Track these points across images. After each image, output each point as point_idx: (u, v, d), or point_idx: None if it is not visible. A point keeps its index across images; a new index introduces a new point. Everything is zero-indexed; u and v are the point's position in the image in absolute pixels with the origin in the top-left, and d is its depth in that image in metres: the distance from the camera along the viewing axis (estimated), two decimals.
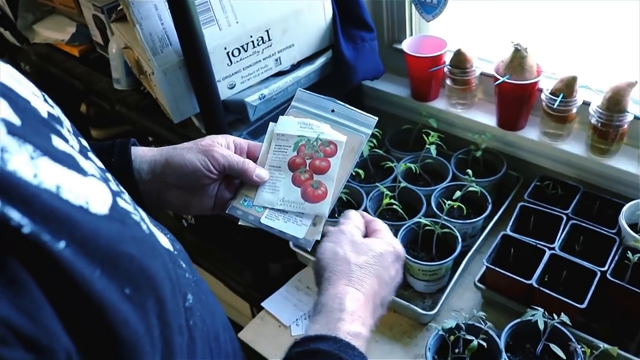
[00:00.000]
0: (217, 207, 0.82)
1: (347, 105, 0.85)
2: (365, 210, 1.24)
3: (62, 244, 0.38)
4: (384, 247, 0.74)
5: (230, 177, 0.81)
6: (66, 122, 0.52)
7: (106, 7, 1.41)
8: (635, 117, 1.14)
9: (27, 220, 0.36)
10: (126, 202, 0.49)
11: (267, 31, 1.20)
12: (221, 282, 1.67)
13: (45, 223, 0.37)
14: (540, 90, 1.23)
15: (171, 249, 0.56)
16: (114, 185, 0.50)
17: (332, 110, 0.85)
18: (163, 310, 0.48)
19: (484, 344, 0.95)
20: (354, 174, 1.31)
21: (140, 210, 0.52)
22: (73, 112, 1.99)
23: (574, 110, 1.21)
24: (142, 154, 0.77)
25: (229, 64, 1.17)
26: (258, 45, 1.20)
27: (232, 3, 1.15)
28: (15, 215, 0.36)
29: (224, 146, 0.79)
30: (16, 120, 0.40)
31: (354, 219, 0.78)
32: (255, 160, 0.82)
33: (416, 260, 1.15)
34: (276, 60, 1.25)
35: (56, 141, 0.45)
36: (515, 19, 1.31)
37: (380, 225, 0.78)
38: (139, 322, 0.44)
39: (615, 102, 1.13)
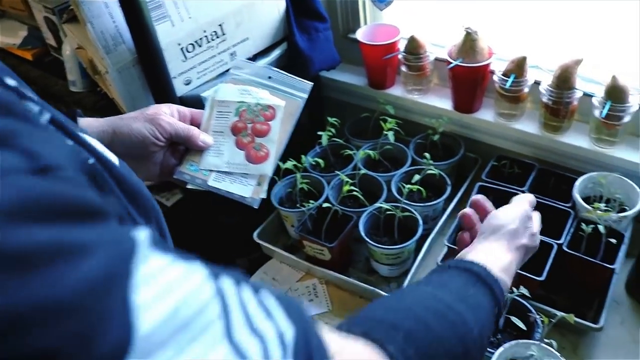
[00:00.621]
0: (163, 174, 0.86)
1: (283, 72, 0.92)
2: (327, 199, 1.25)
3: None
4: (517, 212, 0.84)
5: (176, 144, 0.85)
6: None
7: (57, 8, 1.39)
8: (584, 94, 1.17)
9: (91, 156, 0.42)
10: None
11: (221, 25, 1.20)
12: None
13: (99, 161, 0.43)
14: (493, 72, 1.26)
15: None
16: None
17: (269, 77, 0.91)
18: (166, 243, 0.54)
19: None
20: (313, 163, 1.32)
21: None
22: None
23: (526, 90, 1.23)
24: (89, 125, 0.78)
25: (184, 59, 1.17)
26: (212, 40, 1.20)
27: None
28: (82, 151, 0.42)
29: (168, 114, 0.83)
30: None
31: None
32: (198, 127, 0.87)
33: (379, 245, 1.16)
34: (231, 54, 1.25)
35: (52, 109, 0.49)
36: (465, 2, 1.33)
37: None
38: None
39: (563, 80, 1.16)
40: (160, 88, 1.13)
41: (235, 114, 0.89)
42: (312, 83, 0.92)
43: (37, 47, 1.60)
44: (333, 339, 0.41)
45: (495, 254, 0.76)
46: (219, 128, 0.89)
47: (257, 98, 0.89)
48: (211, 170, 0.86)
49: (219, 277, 0.34)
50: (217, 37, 1.21)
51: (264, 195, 0.86)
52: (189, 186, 0.86)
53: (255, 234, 1.31)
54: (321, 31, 1.33)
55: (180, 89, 1.18)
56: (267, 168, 0.87)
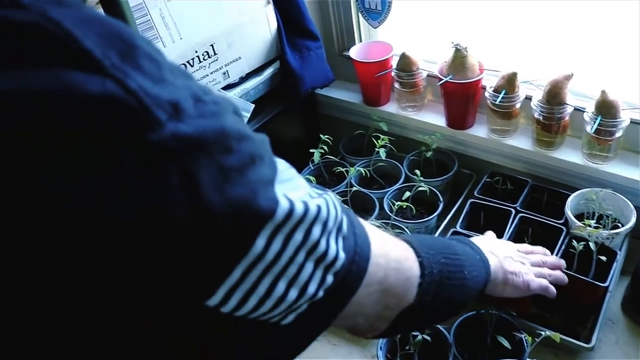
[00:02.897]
0: None
1: (227, 94, 1.04)
2: None
3: None
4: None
5: None
6: None
7: None
8: (575, 109, 1.16)
9: None
10: None
11: (212, 45, 1.22)
12: None
13: None
14: (484, 88, 1.25)
15: None
16: None
17: None
18: None
19: (429, 338, 0.96)
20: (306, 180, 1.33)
21: None
22: None
23: (518, 106, 1.23)
24: None
25: None
26: (204, 59, 1.22)
27: (174, 20, 1.16)
28: None
29: None
30: None
31: None
32: None
33: None
34: (224, 73, 1.26)
35: None
36: (455, 19, 1.34)
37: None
38: None
39: (554, 95, 1.15)
40: None
41: None
42: (253, 105, 1.06)
43: None
44: (371, 227, 0.57)
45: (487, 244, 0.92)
46: None
47: None
48: None
49: None
50: (209, 57, 1.22)
51: None
52: None
53: None
54: (313, 50, 1.34)
55: None
56: None
